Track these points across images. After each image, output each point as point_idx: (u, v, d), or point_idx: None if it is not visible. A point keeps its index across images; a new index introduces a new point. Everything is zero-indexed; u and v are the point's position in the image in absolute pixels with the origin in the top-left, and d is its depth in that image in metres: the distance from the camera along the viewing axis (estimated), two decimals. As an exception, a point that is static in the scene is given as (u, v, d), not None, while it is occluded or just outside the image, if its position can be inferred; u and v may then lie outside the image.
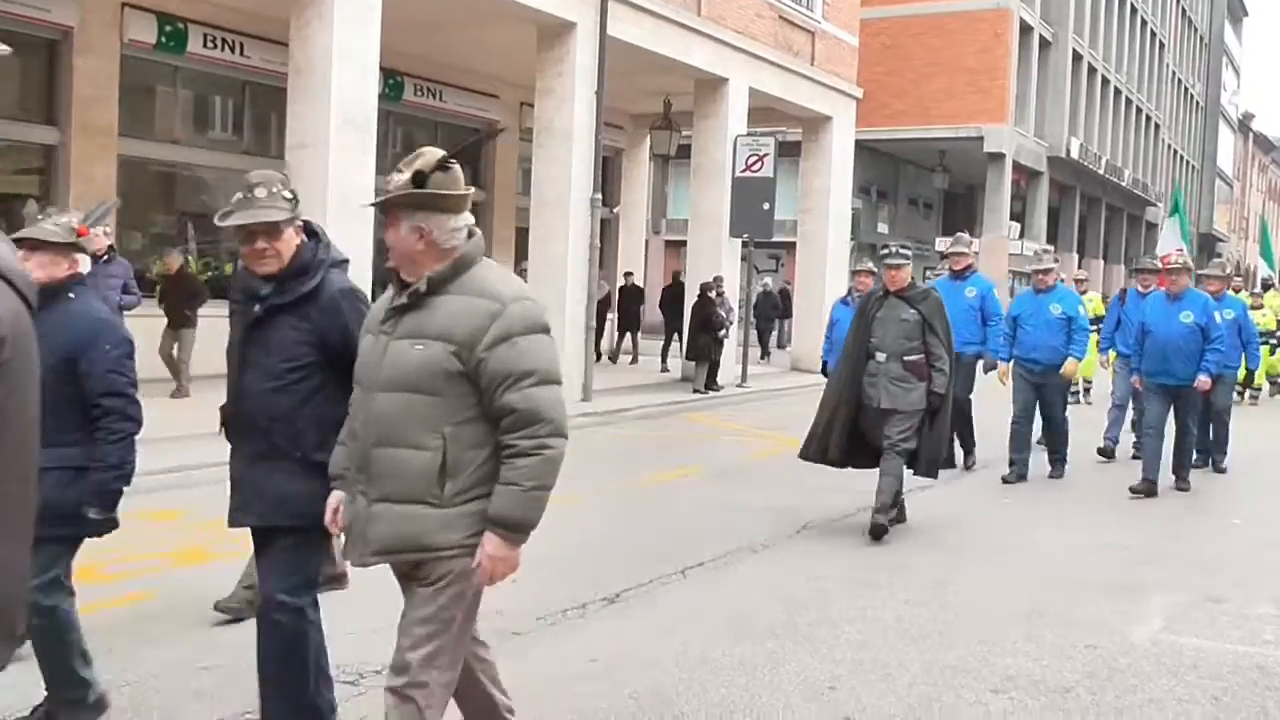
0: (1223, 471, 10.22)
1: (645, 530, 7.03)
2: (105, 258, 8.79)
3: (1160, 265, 9.92)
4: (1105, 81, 38.54)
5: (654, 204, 23.01)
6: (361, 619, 5.07)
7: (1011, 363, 9.48)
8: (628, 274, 20.78)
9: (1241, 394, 15.37)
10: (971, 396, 9.74)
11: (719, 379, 16.06)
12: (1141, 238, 45.40)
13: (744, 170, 16.33)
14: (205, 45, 13.86)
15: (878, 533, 6.91)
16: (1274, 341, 16.85)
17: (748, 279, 17.21)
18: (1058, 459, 9.69)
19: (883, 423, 7.10)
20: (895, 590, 5.97)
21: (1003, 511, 8.39)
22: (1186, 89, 53.93)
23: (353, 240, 10.86)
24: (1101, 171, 37.54)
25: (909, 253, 7.32)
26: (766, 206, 15.69)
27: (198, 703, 4.12)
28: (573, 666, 4.61)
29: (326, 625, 4.85)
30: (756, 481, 9.13)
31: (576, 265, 14.09)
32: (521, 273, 17.27)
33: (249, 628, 4.90)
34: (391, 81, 15.95)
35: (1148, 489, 8.87)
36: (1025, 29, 31.43)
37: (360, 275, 11.05)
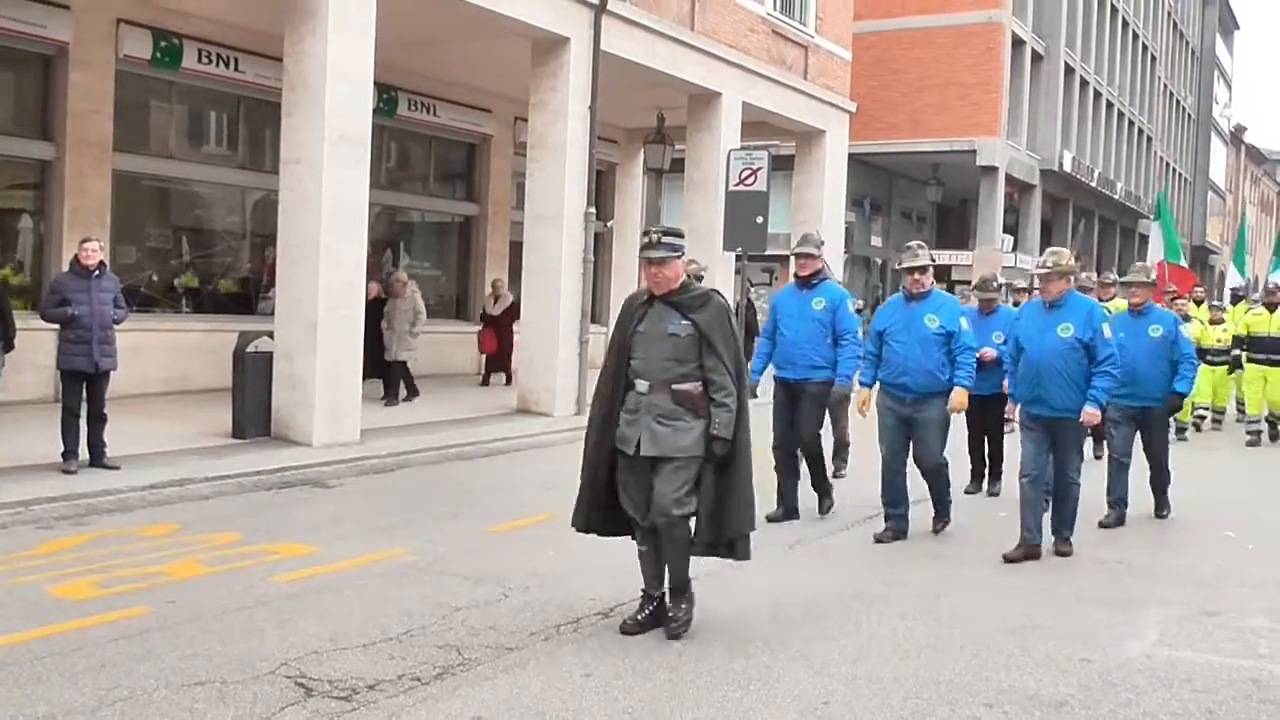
0: (1163, 518, 8.70)
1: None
2: (98, 273, 8.79)
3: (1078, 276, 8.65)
4: (1097, 95, 38.72)
5: (647, 218, 23.05)
6: (354, 636, 5.06)
7: (875, 388, 7.65)
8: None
9: (1183, 429, 13.67)
10: (822, 432, 8.13)
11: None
12: (1134, 250, 45.51)
13: (737, 184, 16.33)
14: (200, 60, 13.87)
15: (629, 629, 5.23)
16: (1226, 359, 14.70)
17: (742, 293, 17.20)
18: (939, 511, 7.81)
19: (648, 477, 5.17)
20: (889, 605, 5.96)
21: (997, 526, 8.38)
22: (1178, 102, 54.18)
23: (346, 254, 10.90)
24: (1094, 184, 37.67)
25: (680, 242, 5.24)
26: (760, 220, 15.69)
27: (193, 715, 4.11)
28: (568, 680, 4.60)
29: (317, 642, 4.85)
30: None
31: (570, 279, 14.11)
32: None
33: (241, 643, 4.90)
34: (385, 96, 15.98)
35: (1027, 554, 7.03)
36: (1017, 42, 31.57)
37: (353, 284, 11.07)
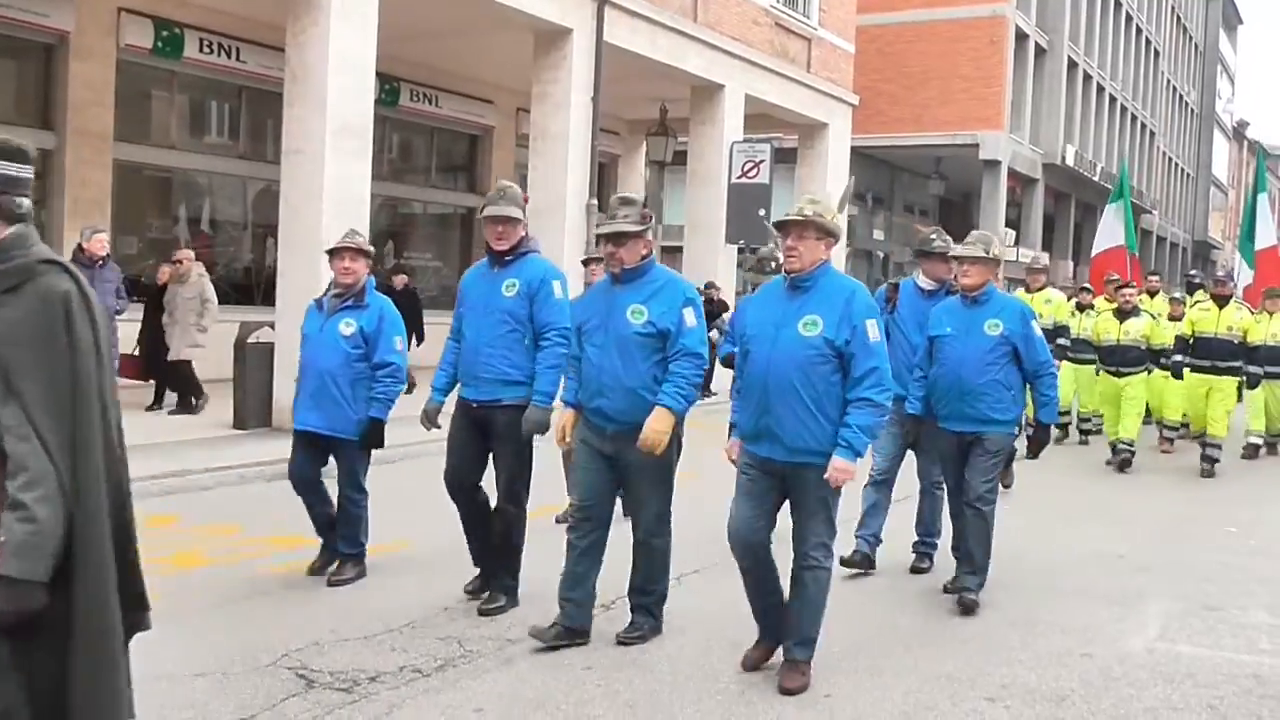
0: (970, 606, 5.75)
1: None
2: (101, 263, 8.79)
3: (940, 247, 6.43)
4: (1100, 89, 38.64)
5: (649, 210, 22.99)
6: (355, 627, 5.06)
7: (573, 415, 5.08)
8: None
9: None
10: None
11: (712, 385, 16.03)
12: (1137, 245, 45.45)
13: (740, 176, 16.34)
14: (202, 50, 13.85)
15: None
16: (1164, 362, 11.32)
17: (744, 285, 17.20)
18: (636, 623, 5.11)
19: None
20: (890, 599, 5.96)
21: (997, 521, 8.37)
22: (1181, 96, 54.08)
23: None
24: (1097, 179, 37.62)
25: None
26: (762, 213, 15.68)
27: (190, 710, 4.11)
28: (569, 675, 4.60)
29: (319, 633, 4.85)
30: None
31: (571, 271, 14.08)
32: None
33: (243, 635, 4.89)
34: (388, 87, 15.96)
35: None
36: (1021, 36, 31.50)
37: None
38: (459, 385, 5.48)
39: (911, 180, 32.79)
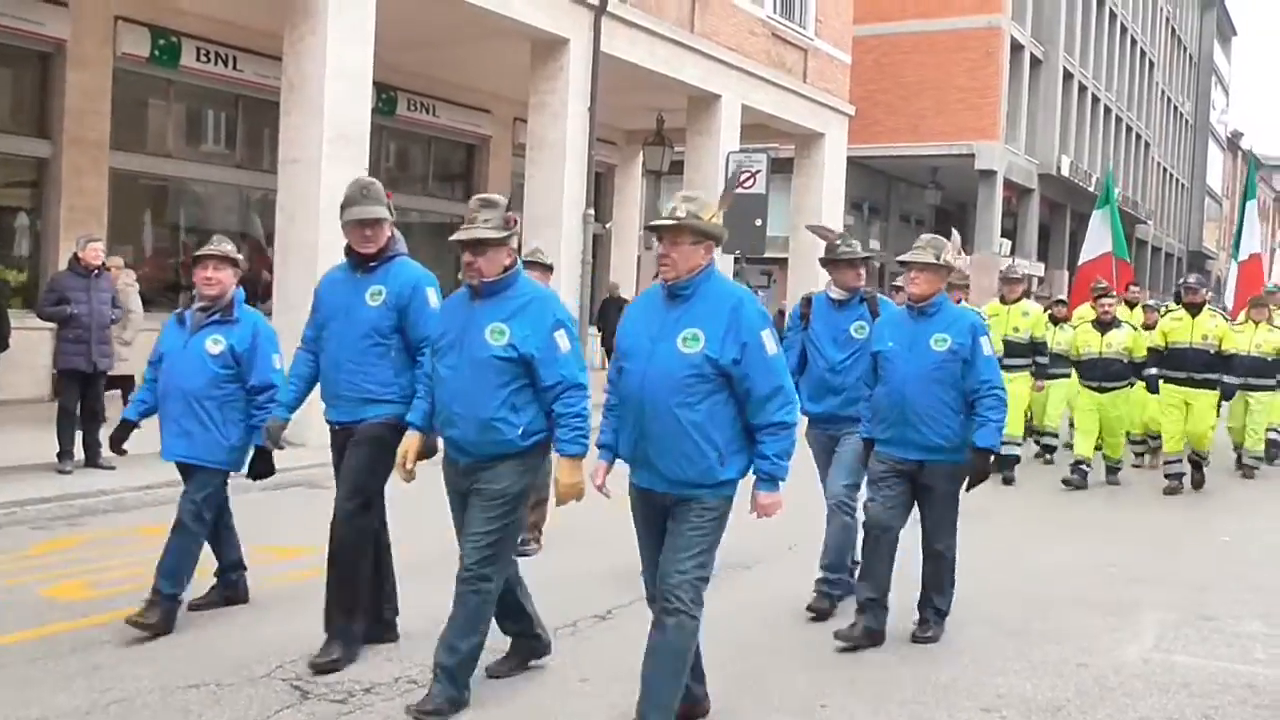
0: (930, 639, 5.39)
1: (636, 548, 7.04)
2: (97, 273, 8.78)
3: (847, 253, 5.83)
4: (1095, 100, 38.76)
5: (646, 220, 23.04)
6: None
7: (417, 439, 4.49)
8: (613, 285, 20.75)
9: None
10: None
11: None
12: (1132, 255, 45.57)
13: (736, 186, 16.33)
14: (198, 59, 13.86)
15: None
16: (1151, 374, 10.43)
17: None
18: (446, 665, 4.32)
19: None
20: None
21: (992, 530, 8.38)
22: (1176, 107, 54.26)
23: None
24: (1092, 189, 37.65)
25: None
26: (759, 223, 15.70)
27: (189, 716, 4.09)
28: (565, 684, 4.59)
29: (313, 644, 4.83)
30: (745, 500, 9.10)
31: (568, 281, 14.10)
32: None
33: (237, 645, 4.88)
34: (384, 96, 15.97)
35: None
36: (1016, 47, 31.59)
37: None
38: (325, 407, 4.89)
39: (907, 190, 32.85)
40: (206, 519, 5.26)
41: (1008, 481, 10.14)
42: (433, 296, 4.74)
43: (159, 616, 4.98)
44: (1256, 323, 11.29)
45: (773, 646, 5.19)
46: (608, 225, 21.33)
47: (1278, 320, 11.74)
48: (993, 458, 5.41)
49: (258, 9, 12.67)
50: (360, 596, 4.75)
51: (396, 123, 17.10)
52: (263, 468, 5.40)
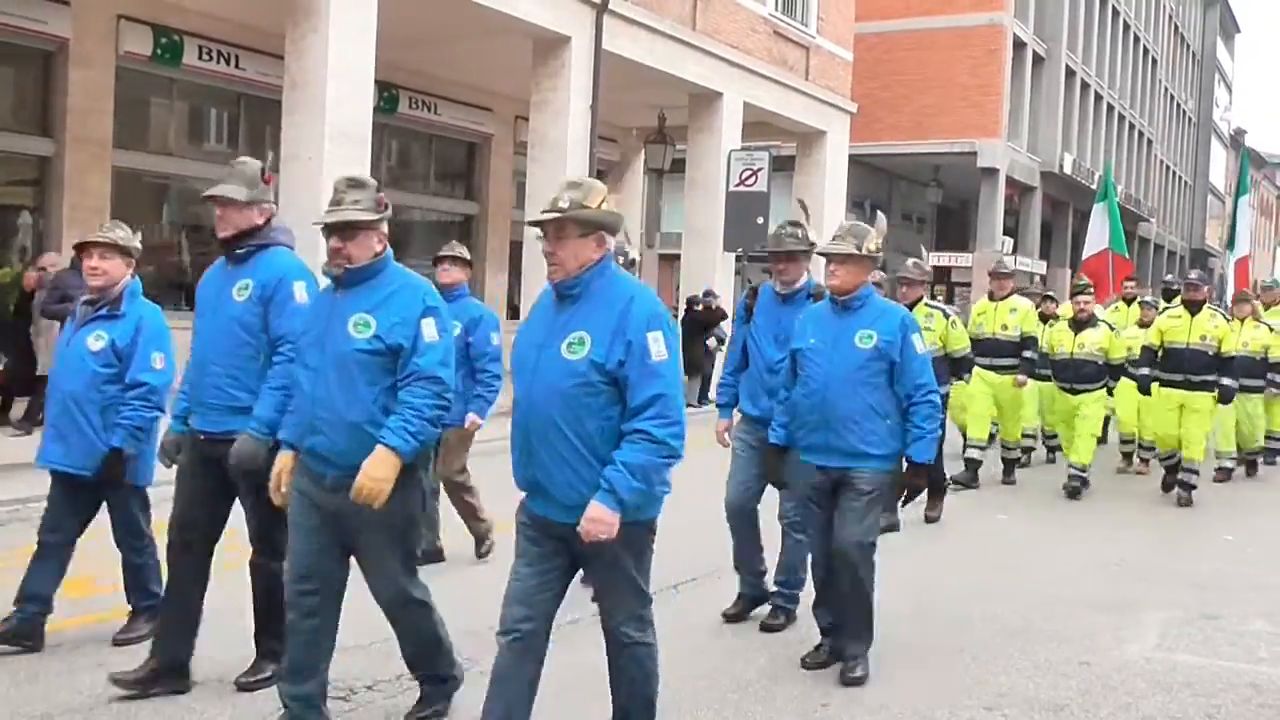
0: (857, 681, 4.71)
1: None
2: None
3: (793, 244, 5.42)
4: (1098, 97, 38.71)
5: (648, 218, 23.07)
6: (352, 635, 5.04)
7: (290, 458, 3.91)
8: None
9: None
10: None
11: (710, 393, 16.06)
12: (1135, 252, 45.55)
13: (738, 184, 16.34)
14: (201, 58, 13.87)
15: None
16: (1132, 374, 10.13)
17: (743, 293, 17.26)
18: (431, 682, 4.23)
19: None
20: (888, 607, 5.94)
21: (995, 529, 8.39)
22: (1179, 105, 54.19)
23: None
24: (1094, 186, 37.61)
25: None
26: (760, 221, 15.68)
27: (189, 716, 4.10)
28: (565, 681, 4.59)
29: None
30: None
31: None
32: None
33: (239, 643, 4.88)
34: (386, 94, 15.98)
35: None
36: (1019, 44, 31.56)
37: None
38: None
39: (909, 188, 32.83)
40: (142, 529, 4.93)
41: (1008, 482, 10.16)
42: (300, 291, 4.18)
43: (145, 626, 4.81)
44: (1241, 320, 10.69)
45: (774, 647, 5.19)
46: (610, 223, 21.32)
47: (1265, 317, 11.30)
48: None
49: (260, 7, 12.68)
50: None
51: (398, 121, 17.11)
52: (112, 472, 4.68)
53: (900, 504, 5.15)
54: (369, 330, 3.69)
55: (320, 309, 3.88)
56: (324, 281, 4.00)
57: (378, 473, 3.57)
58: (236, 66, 14.26)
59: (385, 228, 3.86)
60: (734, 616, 5.53)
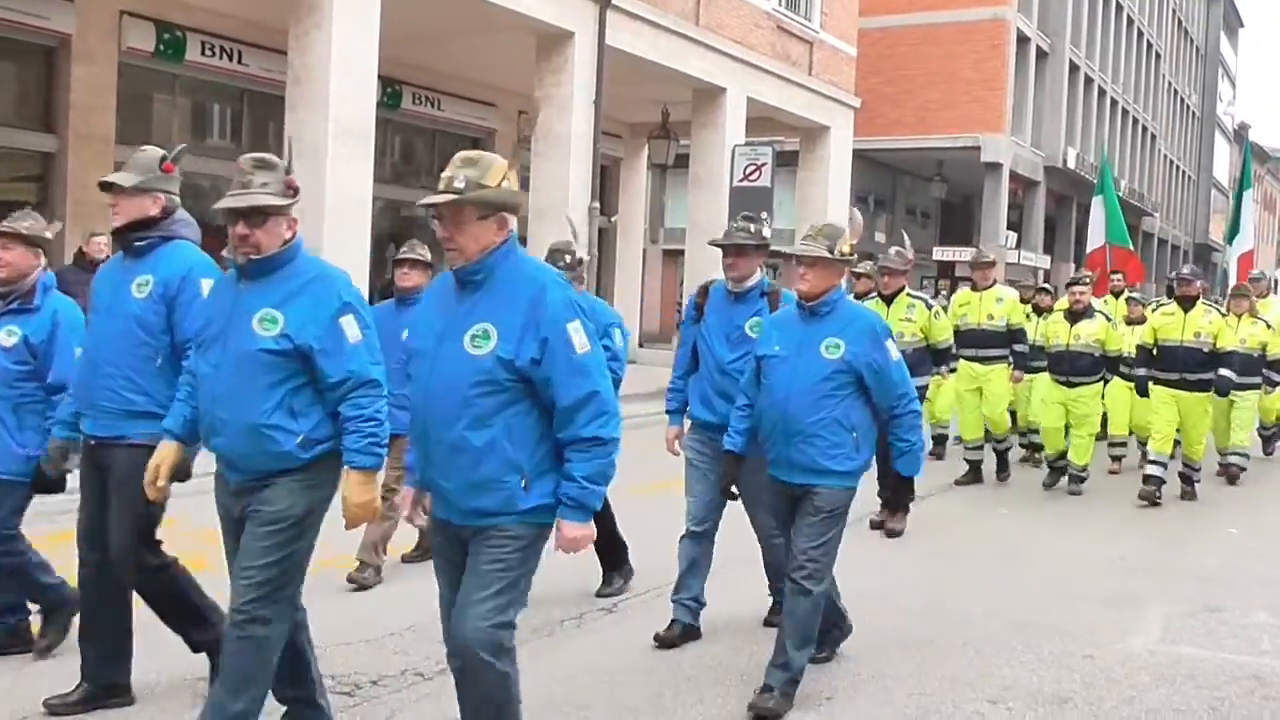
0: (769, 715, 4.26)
1: (642, 541, 7.03)
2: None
3: (745, 239, 5.24)
4: (1102, 92, 38.65)
5: (652, 213, 23.08)
6: (357, 631, 5.06)
7: (174, 449, 3.70)
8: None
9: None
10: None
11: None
12: (1138, 247, 45.48)
13: (741, 180, 16.33)
14: (204, 53, 13.88)
15: None
16: (1127, 373, 9.84)
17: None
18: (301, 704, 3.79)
19: None
20: (891, 601, 5.95)
21: (999, 522, 8.38)
22: (1182, 100, 54.08)
23: (349, 248, 10.88)
24: (1098, 181, 37.63)
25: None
26: (764, 216, 15.71)
27: (193, 712, 4.10)
28: (571, 677, 4.60)
29: (320, 637, 4.85)
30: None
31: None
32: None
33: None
34: (390, 90, 15.98)
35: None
36: (1022, 39, 31.52)
37: (358, 279, 11.07)
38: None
39: (913, 183, 32.80)
40: (12, 530, 4.55)
41: (1002, 478, 9.93)
42: (206, 288, 3.85)
43: (48, 631, 4.61)
44: (1239, 315, 10.21)
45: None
46: (613, 219, 21.33)
47: (1262, 313, 10.90)
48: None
49: (263, 3, 12.69)
50: (194, 605, 4.22)
51: (402, 116, 17.12)
52: (46, 480, 4.45)
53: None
54: (275, 327, 3.37)
55: (223, 302, 3.53)
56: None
57: (360, 498, 3.39)
58: (240, 62, 14.27)
59: (294, 213, 3.53)
60: (667, 642, 5.01)
